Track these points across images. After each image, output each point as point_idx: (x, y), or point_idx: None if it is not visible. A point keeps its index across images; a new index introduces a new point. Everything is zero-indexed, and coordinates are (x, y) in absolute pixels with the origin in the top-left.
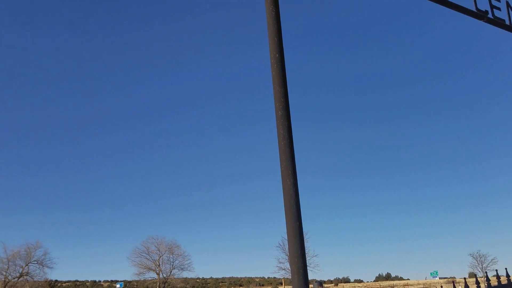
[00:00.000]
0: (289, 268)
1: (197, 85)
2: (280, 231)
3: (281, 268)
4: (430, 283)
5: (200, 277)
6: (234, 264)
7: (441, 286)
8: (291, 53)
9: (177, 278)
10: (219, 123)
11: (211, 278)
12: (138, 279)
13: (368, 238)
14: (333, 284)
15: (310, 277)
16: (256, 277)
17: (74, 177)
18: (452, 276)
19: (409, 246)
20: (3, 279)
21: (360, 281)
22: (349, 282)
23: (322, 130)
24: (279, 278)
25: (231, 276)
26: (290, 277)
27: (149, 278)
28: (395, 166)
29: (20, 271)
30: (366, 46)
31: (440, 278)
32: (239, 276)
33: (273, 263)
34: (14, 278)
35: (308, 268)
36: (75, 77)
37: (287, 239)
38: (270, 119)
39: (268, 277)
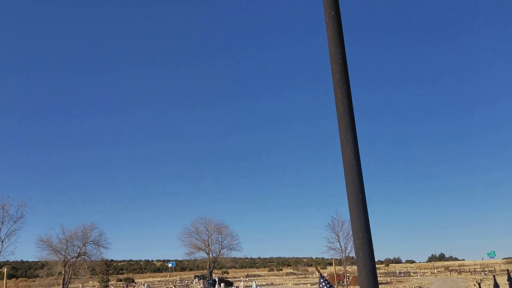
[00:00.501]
0: (339, 248)
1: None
2: (329, 211)
3: (330, 248)
4: (487, 264)
5: (249, 257)
6: (282, 244)
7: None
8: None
9: (226, 257)
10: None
11: (259, 258)
12: (189, 258)
13: (420, 217)
14: (383, 265)
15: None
16: (304, 258)
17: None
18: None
19: (464, 226)
20: (62, 259)
21: (412, 262)
22: (401, 262)
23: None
24: (328, 259)
25: (278, 256)
26: (339, 257)
27: (199, 258)
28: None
29: (78, 251)
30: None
31: (505, 258)
32: (286, 256)
33: (322, 243)
34: (72, 258)
35: None
36: None
37: (349, 213)
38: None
39: (316, 258)
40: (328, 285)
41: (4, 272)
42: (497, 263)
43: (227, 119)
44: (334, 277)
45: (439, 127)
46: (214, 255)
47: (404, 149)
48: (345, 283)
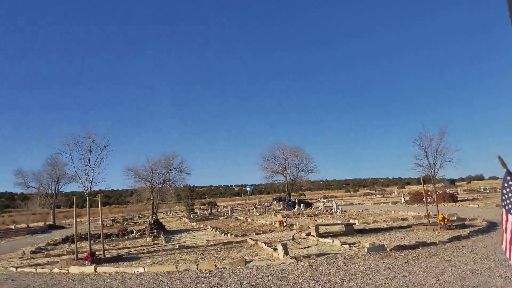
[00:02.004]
0: (427, 165)
1: None
2: (414, 127)
3: (418, 165)
4: None
5: (324, 179)
6: (357, 166)
7: None
8: None
9: (304, 180)
10: None
11: (334, 180)
12: (267, 182)
13: (505, 130)
14: (465, 182)
15: (443, 174)
16: (380, 178)
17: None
18: None
19: None
20: (149, 186)
21: (496, 178)
22: (483, 179)
23: None
24: (404, 178)
25: (354, 177)
26: (428, 173)
27: (277, 181)
28: None
29: (163, 178)
30: None
31: None
32: (362, 178)
33: (401, 162)
34: (158, 184)
35: (450, 163)
36: None
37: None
38: None
39: (393, 178)
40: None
41: (98, 200)
42: None
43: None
44: (423, 194)
45: None
46: (291, 178)
47: None
48: (429, 200)
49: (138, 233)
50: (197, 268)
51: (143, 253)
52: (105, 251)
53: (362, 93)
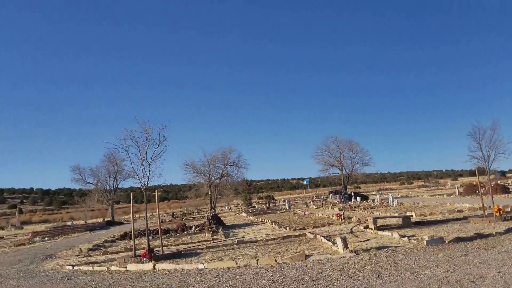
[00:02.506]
0: (481, 157)
1: None
2: (468, 119)
3: (472, 157)
4: None
5: (379, 172)
6: (411, 159)
7: None
8: None
9: (359, 173)
10: None
11: (389, 172)
12: (323, 175)
13: None
14: None
15: (497, 166)
16: (433, 170)
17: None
18: None
19: None
20: (207, 180)
21: None
22: None
23: None
24: (457, 171)
25: (408, 170)
26: (482, 165)
27: (333, 175)
28: None
29: (220, 173)
30: None
31: None
32: (416, 170)
33: (457, 154)
34: (216, 179)
35: (503, 155)
36: None
37: None
38: None
39: (446, 170)
40: None
41: (156, 195)
42: None
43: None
44: (477, 185)
45: None
46: (347, 171)
47: None
48: (483, 192)
49: (197, 228)
50: (257, 264)
51: (202, 248)
52: (163, 247)
53: (416, 89)
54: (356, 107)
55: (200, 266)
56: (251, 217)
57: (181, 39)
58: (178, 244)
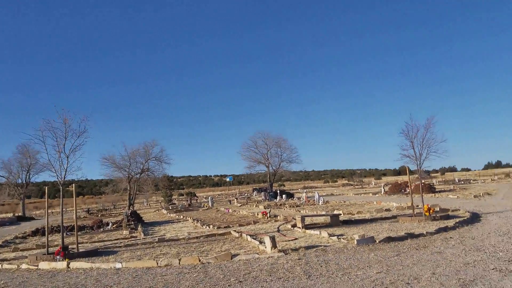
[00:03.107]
0: (413, 156)
1: None
2: (400, 119)
3: (404, 156)
4: None
5: (304, 170)
6: (335, 157)
7: None
8: None
9: (286, 170)
10: None
11: (313, 170)
12: (249, 172)
13: (475, 125)
14: (439, 173)
15: (428, 165)
16: (357, 169)
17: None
18: None
19: None
20: (127, 175)
21: (468, 170)
22: (456, 171)
23: None
24: (380, 170)
25: (332, 168)
26: (413, 163)
27: (259, 171)
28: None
29: (141, 168)
30: None
31: None
32: (340, 169)
33: (384, 153)
34: (136, 174)
35: (436, 154)
36: None
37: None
38: None
39: (370, 169)
40: None
41: (73, 189)
42: None
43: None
44: (402, 184)
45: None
46: (273, 168)
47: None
48: (407, 191)
49: (114, 225)
50: (179, 263)
51: (120, 246)
52: (78, 245)
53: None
54: (285, 104)
55: (118, 265)
56: (171, 214)
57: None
58: (94, 242)
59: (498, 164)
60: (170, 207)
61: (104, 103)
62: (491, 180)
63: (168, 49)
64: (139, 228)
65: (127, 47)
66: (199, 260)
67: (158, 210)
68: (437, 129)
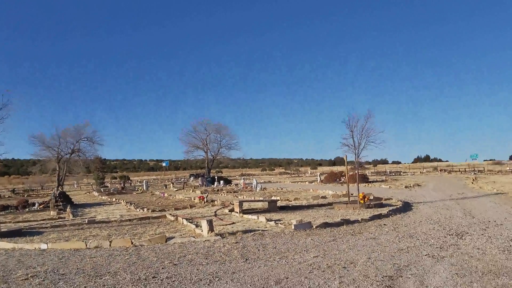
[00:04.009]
0: (352, 145)
1: None
2: (337, 112)
3: (344, 145)
4: (473, 165)
5: (241, 157)
6: (272, 146)
7: None
8: None
9: (224, 157)
10: None
11: (251, 159)
12: (187, 157)
13: (405, 120)
14: (372, 165)
15: (366, 154)
16: (294, 158)
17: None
18: (493, 159)
19: (449, 129)
20: (56, 155)
21: (398, 163)
22: (388, 163)
23: None
24: (317, 160)
25: (270, 157)
26: (352, 152)
27: (198, 157)
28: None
29: (72, 148)
30: None
31: (486, 160)
32: (278, 157)
33: (318, 145)
34: (66, 154)
35: (374, 143)
36: None
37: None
38: None
39: (306, 159)
40: None
41: None
42: (482, 164)
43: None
44: (338, 174)
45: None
46: (212, 154)
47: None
48: (342, 180)
49: (41, 206)
50: (110, 245)
51: (46, 227)
52: (0, 224)
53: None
54: (226, 91)
55: (43, 246)
56: (103, 197)
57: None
58: (18, 222)
59: (427, 158)
60: (102, 189)
61: (36, 81)
62: (420, 172)
63: (108, 29)
64: (68, 209)
65: (61, 26)
66: (132, 243)
67: (89, 192)
68: (376, 119)
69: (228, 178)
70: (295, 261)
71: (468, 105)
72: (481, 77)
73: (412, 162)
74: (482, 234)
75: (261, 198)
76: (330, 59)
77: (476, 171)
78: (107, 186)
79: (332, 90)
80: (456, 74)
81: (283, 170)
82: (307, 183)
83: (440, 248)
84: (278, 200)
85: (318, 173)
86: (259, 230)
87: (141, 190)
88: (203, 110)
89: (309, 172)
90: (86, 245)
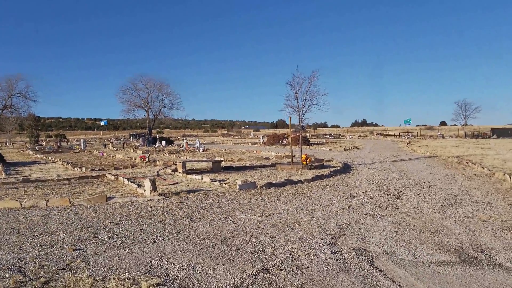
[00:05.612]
0: (296, 107)
1: None
2: (287, 70)
3: (288, 106)
4: (407, 129)
5: (183, 118)
6: (216, 108)
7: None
8: None
9: (166, 117)
10: None
11: (193, 120)
12: (127, 117)
13: (344, 84)
14: (312, 128)
15: (309, 116)
16: (237, 120)
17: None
18: (425, 124)
19: (384, 95)
20: None
21: (337, 126)
22: (327, 127)
23: None
24: (259, 122)
25: (213, 119)
26: (295, 114)
27: (138, 116)
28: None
29: (3, 104)
30: None
31: (419, 125)
32: (221, 119)
33: (259, 107)
34: None
35: (317, 106)
36: None
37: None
38: None
39: (249, 121)
40: None
41: None
42: (415, 129)
43: None
44: (280, 136)
45: None
46: (153, 113)
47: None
48: (284, 143)
49: None
50: (46, 205)
51: None
52: None
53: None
54: (169, 49)
55: None
56: (38, 156)
57: None
58: None
59: (364, 123)
60: (36, 148)
61: None
62: (358, 136)
63: None
64: (0, 167)
65: None
66: (70, 202)
67: (23, 150)
68: (320, 82)
69: (170, 139)
70: (241, 220)
71: (402, 72)
72: (416, 44)
73: (350, 126)
74: (418, 195)
75: (204, 159)
76: (274, 22)
77: (410, 135)
78: (42, 145)
79: (275, 52)
80: (394, 40)
81: (226, 132)
82: (250, 144)
83: (380, 207)
84: (222, 160)
85: (261, 135)
86: (203, 190)
87: (78, 149)
88: (143, 65)
89: (252, 134)
90: (21, 204)
